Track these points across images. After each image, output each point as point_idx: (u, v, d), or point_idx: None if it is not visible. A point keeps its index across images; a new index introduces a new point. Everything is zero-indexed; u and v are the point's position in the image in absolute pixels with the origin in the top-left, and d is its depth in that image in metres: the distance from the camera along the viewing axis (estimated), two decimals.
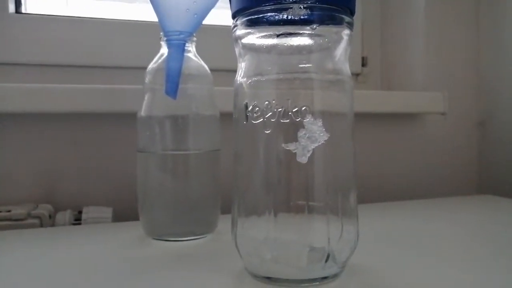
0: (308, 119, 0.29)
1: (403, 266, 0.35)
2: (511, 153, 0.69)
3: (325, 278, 0.31)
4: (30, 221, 0.50)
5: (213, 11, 0.44)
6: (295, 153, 0.29)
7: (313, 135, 0.29)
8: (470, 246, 0.42)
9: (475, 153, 0.75)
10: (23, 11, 0.61)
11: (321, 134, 0.29)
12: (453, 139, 0.75)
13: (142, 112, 0.44)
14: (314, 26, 0.30)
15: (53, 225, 0.52)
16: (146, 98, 0.44)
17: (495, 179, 0.72)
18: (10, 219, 0.49)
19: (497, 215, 0.56)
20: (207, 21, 0.45)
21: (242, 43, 0.32)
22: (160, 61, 0.44)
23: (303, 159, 0.29)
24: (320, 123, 0.29)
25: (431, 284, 0.32)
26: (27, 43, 0.59)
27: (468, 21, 0.75)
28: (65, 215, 0.52)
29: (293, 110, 0.30)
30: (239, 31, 0.32)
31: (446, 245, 0.42)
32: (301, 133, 0.29)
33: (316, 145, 0.29)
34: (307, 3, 0.29)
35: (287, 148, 0.29)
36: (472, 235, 0.46)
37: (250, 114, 0.31)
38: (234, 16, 0.32)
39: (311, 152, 0.29)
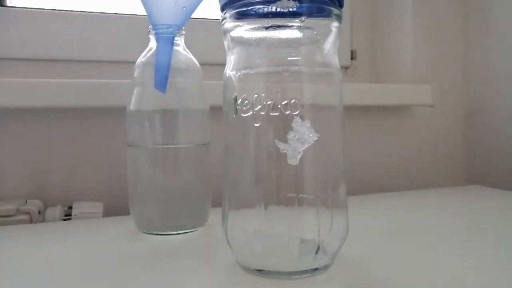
0: (296, 121, 0.29)
1: (393, 257, 0.36)
2: (499, 144, 0.70)
3: (315, 269, 0.31)
4: (19, 217, 0.49)
5: (201, 4, 0.44)
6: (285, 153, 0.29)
7: (302, 137, 0.29)
8: (459, 237, 0.42)
9: (464, 145, 0.76)
10: (8, 4, 0.60)
11: (310, 135, 0.29)
12: (441, 131, 0.75)
13: (132, 106, 0.44)
14: (303, 19, 0.30)
15: (43, 221, 0.51)
16: (135, 92, 0.44)
17: (484, 169, 0.73)
18: None
19: (486, 205, 0.56)
20: (196, 14, 0.44)
21: (230, 36, 0.32)
22: (149, 54, 0.44)
23: (293, 161, 0.29)
24: (308, 124, 0.29)
25: (421, 275, 0.32)
26: (12, 37, 0.58)
27: (456, 14, 0.75)
28: (55, 211, 0.52)
29: (283, 103, 0.30)
30: (228, 24, 0.32)
31: (436, 236, 0.42)
32: (290, 135, 0.29)
33: (306, 146, 0.29)
34: None
35: (278, 146, 0.29)
36: (461, 225, 0.47)
37: (240, 107, 0.31)
38: (222, 8, 0.32)
39: (301, 153, 0.29)
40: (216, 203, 0.41)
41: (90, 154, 0.58)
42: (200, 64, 0.46)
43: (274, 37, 0.30)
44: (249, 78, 0.31)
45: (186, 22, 0.44)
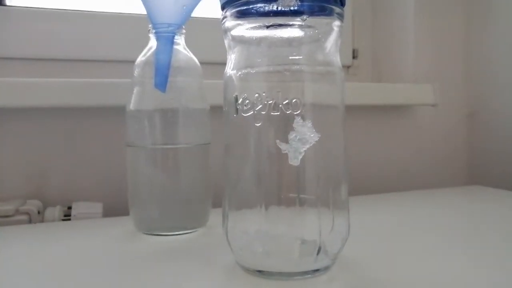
0: (298, 121, 0.29)
1: (393, 258, 0.36)
2: (500, 144, 0.70)
3: (316, 270, 0.31)
4: (18, 217, 0.49)
5: (202, 2, 0.43)
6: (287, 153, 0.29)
7: (304, 137, 0.29)
8: (460, 237, 0.42)
9: (465, 144, 0.76)
10: (7, 3, 0.60)
11: (312, 135, 0.29)
12: (442, 131, 0.75)
13: (131, 106, 0.44)
14: (304, 17, 0.29)
15: (42, 221, 0.51)
16: (135, 91, 0.44)
17: (484, 169, 0.73)
18: None
19: (486, 205, 0.56)
20: (197, 13, 0.44)
21: (231, 35, 0.32)
22: (148, 54, 0.44)
23: (295, 161, 0.29)
24: (310, 124, 0.29)
25: (422, 276, 0.32)
26: (12, 37, 0.58)
27: (458, 14, 0.75)
28: (54, 211, 0.52)
29: (284, 103, 0.29)
30: (228, 23, 0.31)
31: (436, 236, 0.42)
32: (291, 135, 0.29)
33: (307, 146, 0.29)
34: None
35: (280, 146, 0.29)
36: (461, 225, 0.46)
37: (240, 106, 0.31)
38: (223, 7, 0.32)
39: (302, 154, 0.29)
40: (217, 204, 0.41)
41: (89, 154, 0.58)
42: (201, 63, 0.45)
43: (275, 36, 0.30)
44: (250, 77, 0.31)
45: (186, 21, 0.44)
